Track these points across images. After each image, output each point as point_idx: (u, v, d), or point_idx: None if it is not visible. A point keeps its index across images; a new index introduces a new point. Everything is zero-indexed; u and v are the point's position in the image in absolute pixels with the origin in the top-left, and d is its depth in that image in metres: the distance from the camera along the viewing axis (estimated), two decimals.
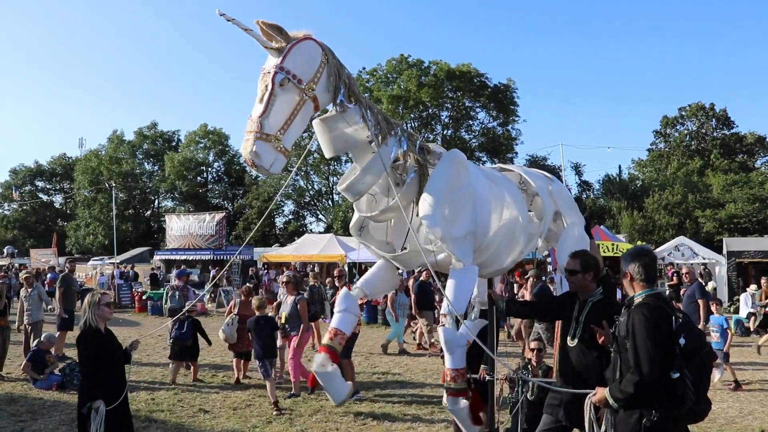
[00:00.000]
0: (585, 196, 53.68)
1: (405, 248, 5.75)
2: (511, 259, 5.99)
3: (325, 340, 5.62)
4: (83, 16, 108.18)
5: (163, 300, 14.92)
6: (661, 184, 46.36)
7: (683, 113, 54.15)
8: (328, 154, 5.49)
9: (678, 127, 54.90)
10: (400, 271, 10.68)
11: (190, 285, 17.92)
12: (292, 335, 10.03)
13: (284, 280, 10.72)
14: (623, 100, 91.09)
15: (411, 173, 5.48)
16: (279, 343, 10.30)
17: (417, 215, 5.48)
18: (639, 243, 26.26)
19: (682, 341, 3.78)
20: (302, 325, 9.94)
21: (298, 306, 10.01)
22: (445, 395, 5.51)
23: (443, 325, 5.22)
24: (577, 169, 54.66)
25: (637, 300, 4.06)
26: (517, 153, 52.93)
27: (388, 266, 6.06)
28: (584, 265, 4.93)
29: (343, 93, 5.08)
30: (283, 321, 10.08)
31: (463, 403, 5.17)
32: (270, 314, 10.58)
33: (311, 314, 10.54)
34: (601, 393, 4.05)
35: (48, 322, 13.61)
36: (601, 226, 28.41)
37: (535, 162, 53.33)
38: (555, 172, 44.93)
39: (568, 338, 4.86)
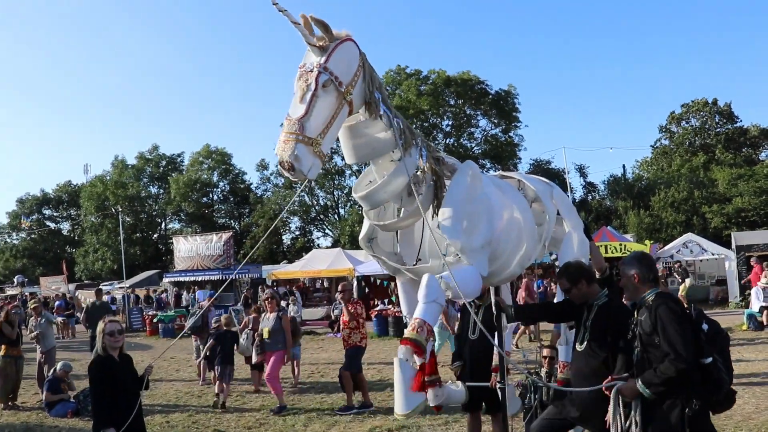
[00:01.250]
0: (591, 197, 53.60)
1: (419, 259, 5.72)
2: (520, 265, 5.99)
3: (407, 332, 4.95)
4: (83, 42, 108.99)
5: (187, 319, 15.13)
6: (666, 181, 46.26)
7: (688, 109, 54.04)
8: (350, 161, 5.35)
9: (683, 124, 54.83)
10: None
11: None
12: (271, 351, 10.19)
13: (266, 297, 10.90)
14: (624, 100, 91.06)
15: (428, 184, 5.45)
16: (255, 359, 10.91)
17: (434, 226, 5.46)
18: (647, 242, 26.16)
19: (705, 327, 3.96)
20: (287, 340, 10.18)
21: (282, 321, 10.25)
22: (400, 346, 5.06)
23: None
24: (582, 171, 54.61)
25: (650, 298, 4.18)
26: (520, 159, 52.94)
27: (409, 285, 5.96)
28: (571, 278, 4.97)
29: (379, 99, 4.99)
30: (265, 336, 10.22)
31: (416, 359, 4.74)
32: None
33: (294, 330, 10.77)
34: (630, 383, 4.12)
35: (59, 348, 13.67)
36: (608, 227, 28.40)
37: (539, 166, 53.31)
38: (559, 175, 44.94)
39: (577, 343, 4.86)
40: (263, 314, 10.74)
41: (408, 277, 5.85)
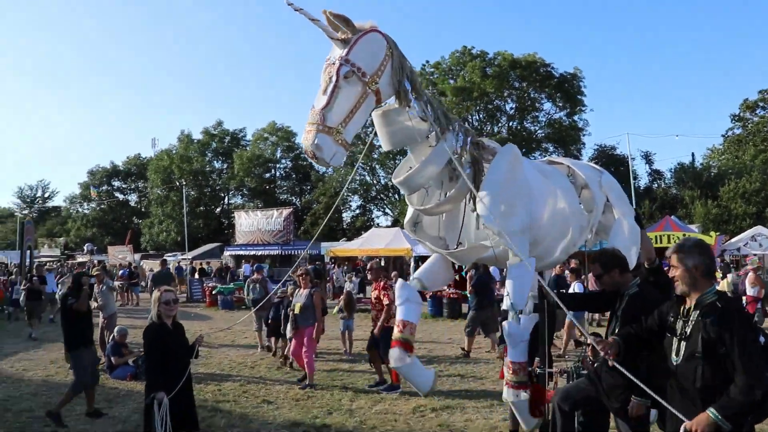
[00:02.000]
0: (656, 185, 52.22)
1: (461, 243, 5.75)
2: (564, 251, 5.95)
3: (395, 334, 5.68)
4: (153, 21, 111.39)
5: (245, 293, 15.62)
6: (737, 171, 44.66)
7: (763, 96, 51.83)
8: (386, 147, 5.49)
9: (758, 111, 52.63)
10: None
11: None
12: (303, 327, 10.29)
13: (300, 273, 11.04)
14: (695, 86, 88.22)
15: (466, 168, 5.46)
16: (289, 333, 10.91)
17: (472, 210, 5.49)
18: (712, 233, 25.36)
19: (762, 339, 3.71)
20: (317, 316, 10.32)
21: (314, 297, 10.36)
22: (505, 388, 5.54)
23: (507, 320, 5.23)
24: (648, 158, 53.23)
25: (713, 299, 3.73)
26: (584, 144, 51.97)
27: (443, 259, 6.10)
28: (604, 264, 4.92)
29: (407, 87, 5.06)
30: (297, 311, 10.36)
31: (524, 395, 5.20)
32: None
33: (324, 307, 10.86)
34: (703, 418, 3.46)
35: (123, 315, 14.14)
36: (672, 217, 27.65)
37: (603, 152, 52.23)
38: (623, 161, 43.92)
39: (609, 332, 4.83)
40: (297, 290, 10.91)
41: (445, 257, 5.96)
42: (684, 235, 23.56)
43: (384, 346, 9.72)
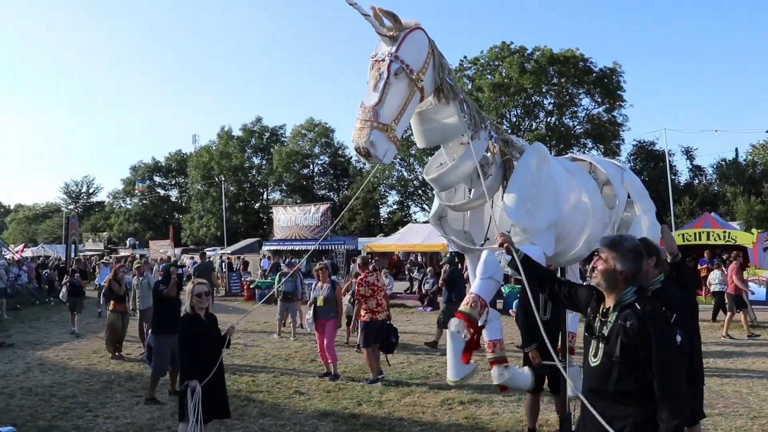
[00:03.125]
0: (697, 181, 51.35)
1: (488, 239, 5.86)
2: (588, 246, 6.02)
3: (489, 355, 5.50)
4: (198, 19, 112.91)
5: (275, 285, 15.99)
6: None
7: None
8: (421, 145, 5.52)
9: None
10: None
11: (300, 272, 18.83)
12: (324, 320, 10.58)
13: (318, 267, 11.41)
14: (737, 81, 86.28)
15: (497, 166, 5.57)
16: (307, 326, 11.46)
17: (501, 207, 5.61)
18: (754, 231, 24.84)
19: (678, 338, 3.41)
20: (338, 309, 10.66)
21: (336, 290, 10.71)
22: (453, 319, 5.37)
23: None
24: (689, 154, 52.32)
25: (631, 299, 3.42)
26: (623, 140, 51.28)
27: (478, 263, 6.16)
28: (646, 249, 4.88)
29: (449, 83, 5.13)
30: (319, 304, 10.65)
31: (508, 371, 5.38)
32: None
33: None
34: None
35: None
36: (712, 213, 27.22)
37: (642, 147, 51.53)
38: (663, 157, 43.30)
39: None
40: (316, 284, 11.17)
41: (477, 255, 6.02)
42: (725, 231, 23.21)
43: (365, 338, 10.27)
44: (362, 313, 10.46)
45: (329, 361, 10.44)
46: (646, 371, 3.25)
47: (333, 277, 11.45)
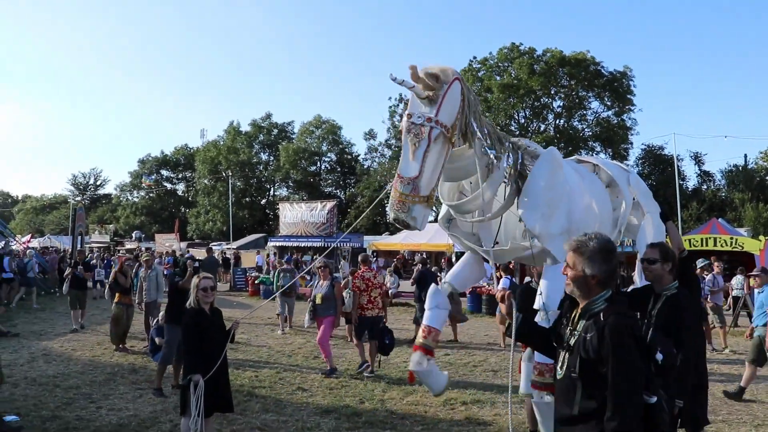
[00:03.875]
0: (705, 187, 51.13)
1: (497, 242, 5.87)
2: None
3: (418, 339, 5.80)
4: (208, 14, 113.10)
5: (274, 280, 16.17)
6: None
7: None
8: (443, 180, 5.47)
9: None
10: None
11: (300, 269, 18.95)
12: (322, 317, 10.73)
13: (319, 265, 11.45)
14: (748, 87, 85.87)
15: (512, 185, 5.57)
16: (306, 324, 11.83)
17: (514, 213, 5.66)
18: (761, 237, 24.73)
19: (659, 357, 3.10)
20: (337, 307, 10.73)
21: (335, 288, 10.76)
22: (524, 382, 5.66)
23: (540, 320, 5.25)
24: (698, 159, 52.08)
25: (599, 307, 3.11)
26: (631, 144, 51.19)
27: (475, 259, 6.24)
28: (664, 254, 4.86)
29: (474, 128, 5.07)
30: (318, 302, 10.80)
31: (548, 398, 5.11)
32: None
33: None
34: None
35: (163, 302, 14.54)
36: (720, 219, 27.09)
37: (650, 151, 51.35)
38: (671, 162, 43.14)
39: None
40: (317, 281, 11.31)
41: (478, 255, 6.07)
42: (731, 238, 23.10)
43: (355, 331, 10.89)
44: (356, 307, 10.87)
45: (323, 356, 10.53)
46: (598, 389, 2.98)
47: (336, 275, 11.47)
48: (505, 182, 5.52)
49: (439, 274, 21.68)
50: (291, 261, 18.02)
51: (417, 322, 13.60)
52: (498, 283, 13.67)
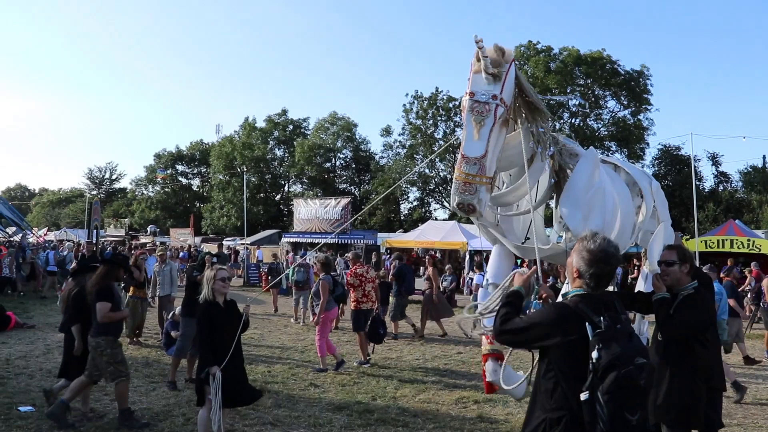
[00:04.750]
0: (722, 188, 50.68)
1: (528, 238, 5.86)
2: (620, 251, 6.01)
3: (485, 347, 5.62)
4: (225, 10, 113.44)
5: (290, 274, 16.36)
6: None
7: None
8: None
9: None
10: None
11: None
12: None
13: (316, 261, 11.78)
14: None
15: (552, 178, 5.53)
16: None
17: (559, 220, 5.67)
18: None
19: (594, 355, 3.05)
20: (321, 303, 10.74)
21: (320, 285, 10.82)
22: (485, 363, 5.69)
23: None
24: (715, 160, 51.58)
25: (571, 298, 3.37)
26: (648, 144, 50.78)
27: (504, 251, 6.19)
28: (682, 256, 4.85)
29: (522, 112, 4.96)
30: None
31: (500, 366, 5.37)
32: None
33: (337, 295, 11.06)
34: None
35: (178, 297, 14.60)
36: (737, 221, 26.86)
37: (667, 152, 50.96)
38: (688, 162, 42.81)
39: (658, 333, 4.84)
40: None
41: (506, 246, 6.02)
42: (749, 240, 22.90)
43: (355, 325, 11.24)
44: (351, 301, 11.39)
45: (318, 355, 10.59)
46: (551, 371, 3.23)
47: (335, 272, 11.52)
48: (548, 174, 5.47)
49: (450, 269, 21.66)
50: (305, 256, 18.24)
51: (395, 318, 14.26)
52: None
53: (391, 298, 14.32)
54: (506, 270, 6.16)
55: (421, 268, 24.56)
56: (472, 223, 25.28)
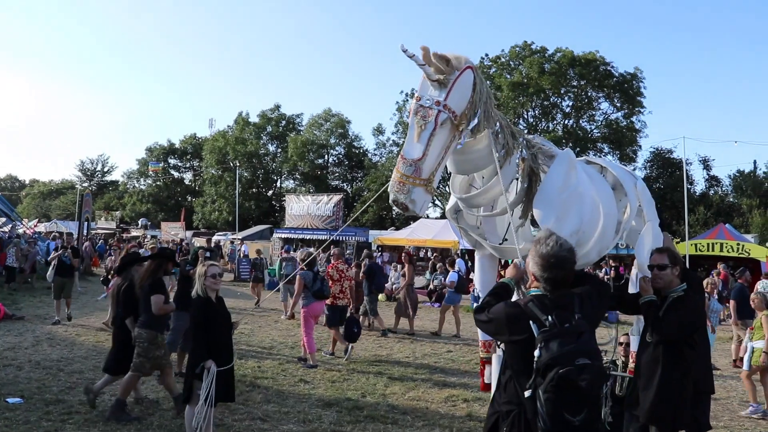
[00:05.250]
0: (713, 192, 50.93)
1: (506, 239, 5.87)
2: (598, 253, 6.03)
3: (482, 354, 5.96)
4: (218, 3, 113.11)
5: (278, 269, 16.49)
6: None
7: None
8: (454, 172, 5.50)
9: None
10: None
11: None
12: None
13: (300, 257, 12.18)
14: (761, 92, 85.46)
15: (523, 182, 5.56)
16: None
17: (519, 218, 5.68)
18: None
19: (536, 353, 3.09)
20: (294, 297, 11.03)
21: (296, 280, 10.87)
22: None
23: None
24: (706, 164, 51.81)
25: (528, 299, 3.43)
26: (640, 146, 50.96)
27: (488, 261, 6.22)
28: (672, 259, 4.88)
29: (483, 121, 4.97)
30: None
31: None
32: None
33: (315, 290, 10.89)
34: None
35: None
36: (726, 225, 27.04)
37: (659, 155, 51.17)
38: (679, 166, 43.00)
39: (647, 334, 4.86)
40: None
41: (487, 252, 6.06)
42: (738, 244, 23.04)
43: (329, 321, 11.51)
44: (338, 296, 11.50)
45: (308, 351, 10.64)
46: (507, 367, 3.43)
47: (315, 268, 11.44)
48: (516, 178, 5.50)
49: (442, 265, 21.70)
50: (290, 250, 18.34)
51: (366, 314, 14.61)
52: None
53: (365, 297, 14.59)
54: (492, 280, 6.22)
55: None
56: None
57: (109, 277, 14.97)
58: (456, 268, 15.79)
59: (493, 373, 5.65)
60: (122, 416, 7.11)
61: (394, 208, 4.71)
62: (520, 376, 3.20)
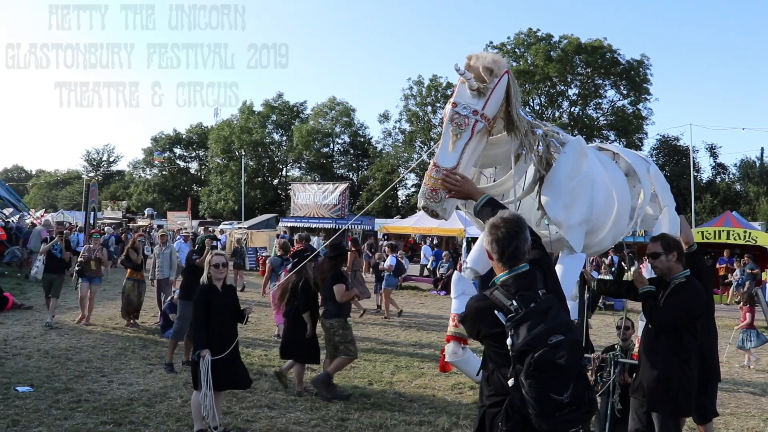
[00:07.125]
0: (719, 179, 50.75)
1: None
2: (613, 239, 6.02)
3: (450, 329, 5.63)
4: None
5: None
6: None
7: None
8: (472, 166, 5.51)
9: None
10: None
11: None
12: None
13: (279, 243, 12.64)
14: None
15: (537, 170, 5.54)
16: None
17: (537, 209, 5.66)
18: None
19: (509, 341, 3.00)
20: (265, 279, 11.36)
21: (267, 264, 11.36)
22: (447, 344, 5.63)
23: None
24: (713, 151, 51.61)
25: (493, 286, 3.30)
26: (646, 133, 50.80)
27: None
28: (666, 245, 4.91)
29: (517, 120, 4.94)
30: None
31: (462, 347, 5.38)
32: None
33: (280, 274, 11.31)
34: None
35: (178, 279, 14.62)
36: (733, 213, 26.95)
37: (665, 142, 50.99)
38: (686, 153, 42.85)
39: (648, 324, 4.87)
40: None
41: None
42: (745, 231, 22.95)
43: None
44: None
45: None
46: (487, 361, 3.29)
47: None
48: (534, 169, 5.48)
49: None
50: (285, 238, 18.49)
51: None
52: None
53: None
54: (487, 261, 6.18)
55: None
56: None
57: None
58: (397, 252, 17.04)
59: (465, 359, 5.49)
60: (333, 391, 7.88)
61: (427, 215, 4.68)
62: (502, 367, 3.13)
